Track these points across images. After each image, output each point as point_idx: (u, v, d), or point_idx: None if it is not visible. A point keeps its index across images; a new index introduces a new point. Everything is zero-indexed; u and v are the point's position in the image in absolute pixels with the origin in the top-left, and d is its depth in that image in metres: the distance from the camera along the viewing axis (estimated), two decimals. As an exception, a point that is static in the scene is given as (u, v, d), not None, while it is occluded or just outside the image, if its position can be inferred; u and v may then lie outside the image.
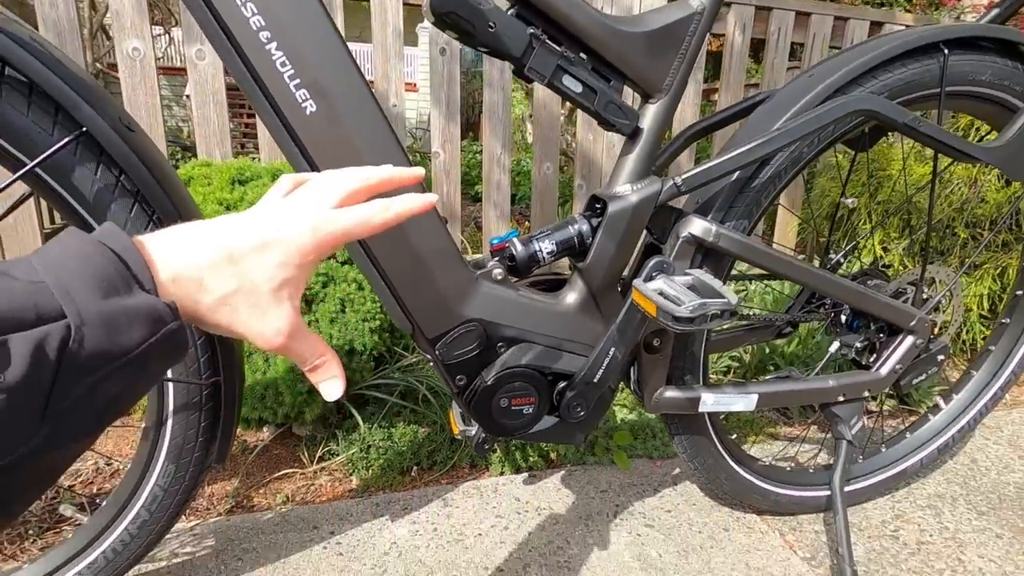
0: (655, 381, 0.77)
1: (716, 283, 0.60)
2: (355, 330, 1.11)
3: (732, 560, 0.90)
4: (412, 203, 0.38)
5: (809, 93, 0.69)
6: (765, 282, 1.57)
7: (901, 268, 1.56)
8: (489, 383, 0.68)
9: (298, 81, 0.53)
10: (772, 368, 1.41)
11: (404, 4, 1.52)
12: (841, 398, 0.81)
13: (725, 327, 0.92)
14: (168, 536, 0.92)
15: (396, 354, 1.23)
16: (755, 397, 0.78)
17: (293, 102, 0.53)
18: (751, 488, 0.92)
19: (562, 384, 0.72)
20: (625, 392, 1.35)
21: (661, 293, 0.60)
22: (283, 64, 0.52)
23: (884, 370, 0.81)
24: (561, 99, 1.91)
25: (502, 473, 1.11)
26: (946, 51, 0.70)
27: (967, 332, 1.57)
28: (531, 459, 1.13)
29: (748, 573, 0.88)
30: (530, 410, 0.71)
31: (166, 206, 0.61)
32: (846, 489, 0.97)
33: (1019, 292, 0.96)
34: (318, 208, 0.35)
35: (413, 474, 1.10)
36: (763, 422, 1.31)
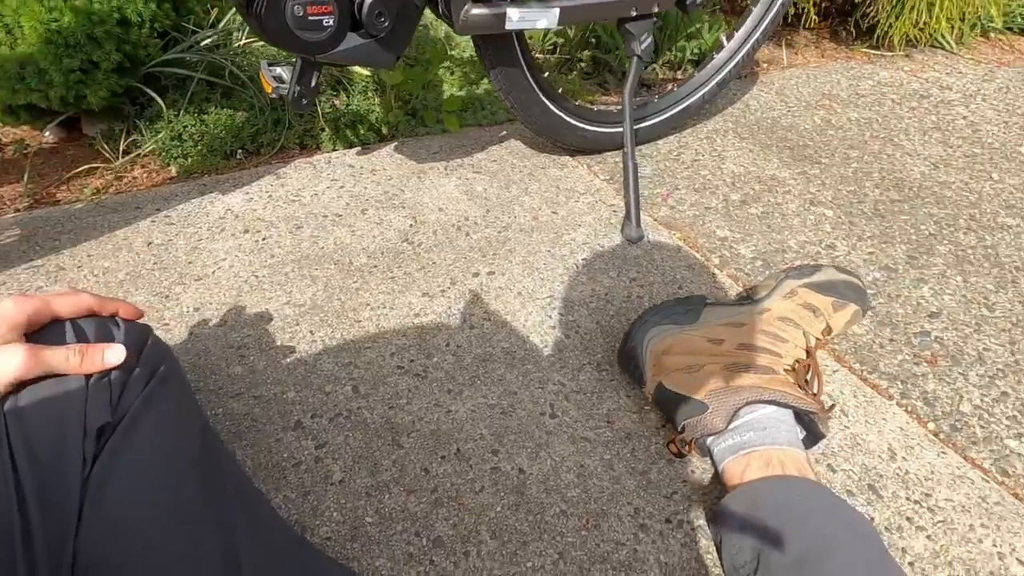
0: (461, -3, 0.75)
1: None
2: (121, -6, 0.93)
3: (546, 186, 1.04)
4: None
5: None
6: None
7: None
8: (275, -15, 0.63)
9: None
10: (594, 40, 1.46)
11: None
12: (634, 12, 0.87)
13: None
14: (-40, 232, 0.84)
15: (188, 31, 1.08)
16: (557, 11, 0.81)
17: None
18: (562, 124, 1.02)
19: (361, -8, 0.69)
20: (456, 73, 1.35)
21: None
22: None
23: (673, -18, 0.88)
24: None
25: (334, 150, 1.12)
26: None
27: None
28: (362, 133, 1.14)
29: (558, 192, 1.03)
30: (330, 21, 0.68)
31: None
32: (643, 125, 1.12)
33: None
34: None
35: (239, 157, 1.06)
36: (583, 91, 1.41)
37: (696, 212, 1.01)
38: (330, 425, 0.61)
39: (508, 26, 0.80)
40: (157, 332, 0.71)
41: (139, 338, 0.52)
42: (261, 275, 0.80)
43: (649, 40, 0.91)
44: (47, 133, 1.04)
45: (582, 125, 1.06)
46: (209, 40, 1.08)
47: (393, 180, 1.03)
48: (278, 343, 0.71)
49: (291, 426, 0.61)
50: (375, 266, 0.83)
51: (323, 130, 1.12)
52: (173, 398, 0.50)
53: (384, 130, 1.17)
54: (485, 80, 1.33)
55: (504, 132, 1.22)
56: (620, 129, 1.11)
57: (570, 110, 1.03)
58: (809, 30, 1.85)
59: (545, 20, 0.81)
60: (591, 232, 0.93)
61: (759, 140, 1.25)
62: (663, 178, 1.10)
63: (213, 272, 0.80)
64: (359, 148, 1.12)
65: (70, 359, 0.42)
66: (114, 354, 0.44)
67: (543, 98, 0.97)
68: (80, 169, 0.98)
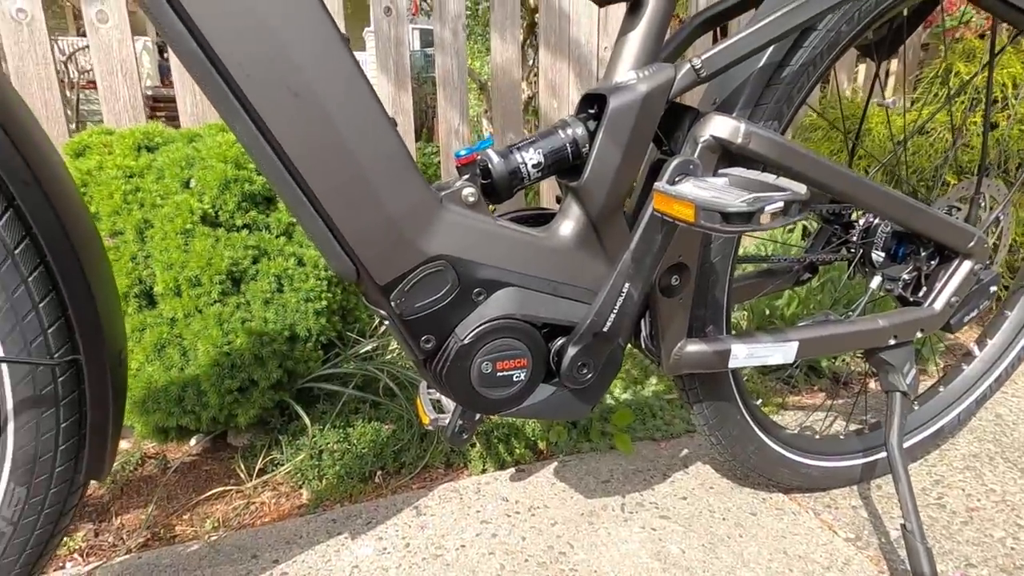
0: (674, 333, 0.61)
1: (767, 176, 0.45)
2: (296, 312, 0.92)
3: (767, 549, 0.75)
4: None
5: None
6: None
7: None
8: (466, 342, 0.51)
9: None
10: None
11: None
12: (892, 340, 0.68)
13: (745, 270, 0.78)
14: (56, 585, 0.71)
15: (350, 340, 1.05)
16: (795, 345, 0.63)
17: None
18: (780, 461, 0.78)
19: (560, 340, 0.56)
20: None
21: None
22: None
23: (939, 304, 0.68)
24: (521, 63, 1.75)
25: (484, 470, 0.94)
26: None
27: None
28: (517, 451, 0.96)
29: (788, 563, 0.73)
30: (522, 375, 0.54)
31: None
32: (877, 457, 0.84)
33: (1054, 217, 0.86)
34: None
35: (377, 480, 0.91)
36: (768, 391, 1.18)
37: (1032, 622, 0.64)
38: None
39: (732, 364, 0.63)
40: None
41: None
42: None
43: (914, 371, 0.69)
44: (193, 442, 0.98)
45: (804, 460, 0.80)
46: (368, 349, 1.04)
47: (558, 526, 0.80)
48: None
49: None
50: None
51: (473, 446, 0.96)
52: None
53: (541, 445, 0.99)
54: (655, 380, 1.17)
55: (685, 451, 0.99)
56: (852, 463, 0.84)
57: (788, 442, 0.79)
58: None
59: (780, 355, 0.64)
60: (872, 657, 0.60)
61: (1053, 475, 0.90)
62: (936, 539, 0.77)
63: None
64: (513, 470, 0.94)
65: None
66: None
67: (759, 432, 0.75)
68: (210, 493, 0.88)
